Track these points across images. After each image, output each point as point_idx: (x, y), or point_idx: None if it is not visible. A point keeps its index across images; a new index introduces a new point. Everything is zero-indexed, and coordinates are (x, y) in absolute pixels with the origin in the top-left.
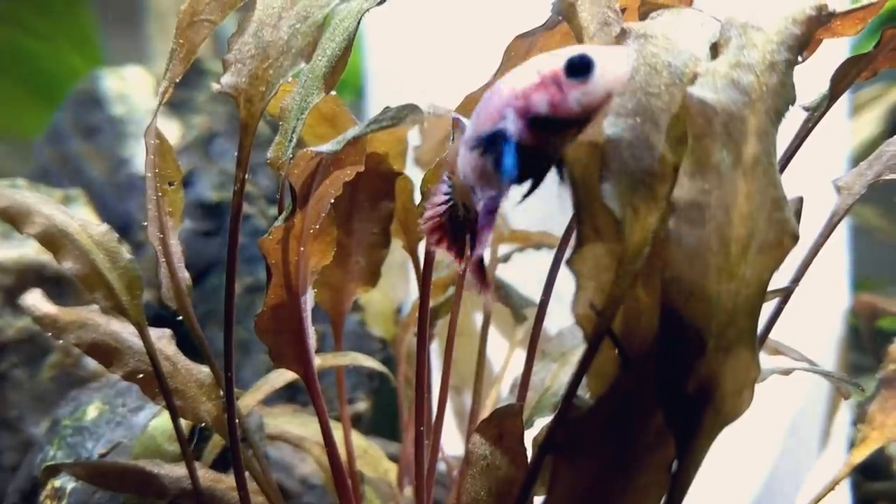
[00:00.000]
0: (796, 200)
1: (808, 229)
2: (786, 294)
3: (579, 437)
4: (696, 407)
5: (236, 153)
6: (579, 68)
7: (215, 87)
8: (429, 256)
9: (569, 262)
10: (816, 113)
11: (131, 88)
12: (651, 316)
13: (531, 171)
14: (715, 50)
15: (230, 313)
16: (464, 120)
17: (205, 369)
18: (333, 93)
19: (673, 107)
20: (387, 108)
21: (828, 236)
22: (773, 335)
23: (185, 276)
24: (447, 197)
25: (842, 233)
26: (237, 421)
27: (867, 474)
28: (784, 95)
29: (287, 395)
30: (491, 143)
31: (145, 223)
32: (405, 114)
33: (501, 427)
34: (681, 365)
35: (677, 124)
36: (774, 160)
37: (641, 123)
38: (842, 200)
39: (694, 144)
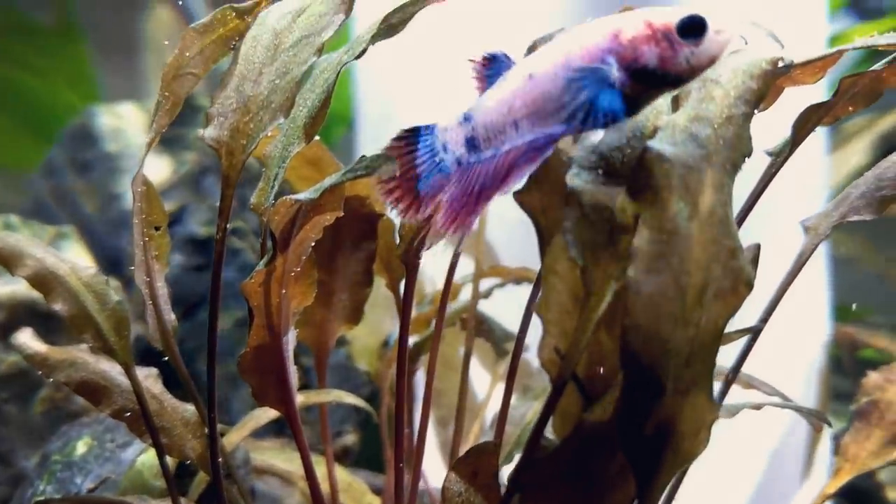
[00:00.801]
0: (753, 248)
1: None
2: (754, 332)
3: (545, 477)
4: (656, 448)
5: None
6: (693, 28)
7: (200, 137)
8: (408, 294)
9: (535, 308)
10: (780, 158)
11: (125, 125)
12: (613, 360)
13: (615, 120)
14: (676, 102)
15: (212, 355)
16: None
17: (190, 407)
18: (317, 138)
19: (634, 159)
20: (362, 157)
21: (796, 275)
22: (753, 365)
23: (171, 318)
24: (424, 149)
25: (821, 265)
26: (220, 459)
27: (857, 500)
28: (740, 148)
29: (276, 428)
30: (586, 82)
31: (132, 267)
32: (379, 163)
33: (476, 465)
34: (640, 407)
35: (640, 175)
36: (730, 210)
37: (603, 175)
38: (809, 240)
39: (653, 196)
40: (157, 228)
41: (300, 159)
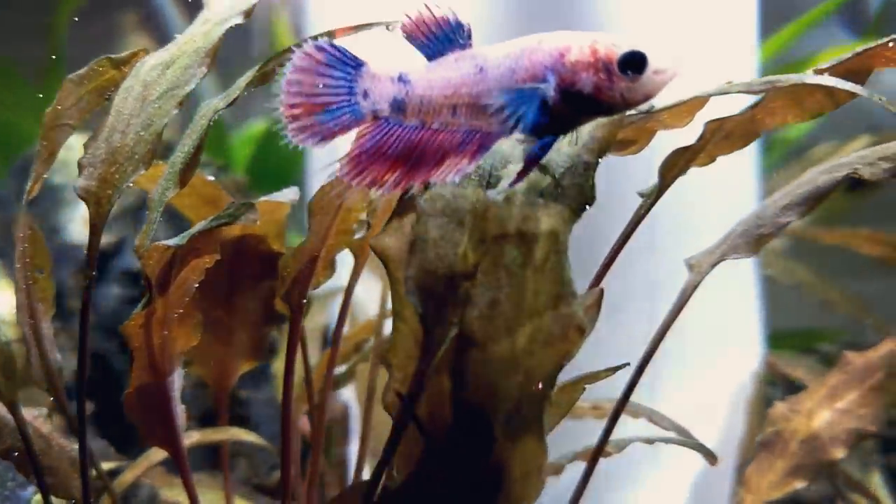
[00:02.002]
0: (595, 293)
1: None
2: (641, 366)
3: None
4: (489, 491)
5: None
6: (633, 64)
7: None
8: (293, 335)
9: (383, 353)
10: (649, 200)
11: (73, 156)
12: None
13: (542, 134)
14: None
15: (82, 397)
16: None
17: (77, 447)
18: (211, 178)
19: (478, 207)
20: (230, 203)
21: (679, 311)
22: (684, 393)
23: (56, 358)
24: (342, 82)
25: (751, 295)
26: (109, 499)
27: None
28: (581, 197)
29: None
30: (523, 98)
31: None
32: (241, 212)
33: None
34: (473, 451)
35: (481, 224)
36: (564, 258)
37: (448, 223)
38: (692, 278)
39: (491, 244)
40: (41, 271)
41: (199, 198)
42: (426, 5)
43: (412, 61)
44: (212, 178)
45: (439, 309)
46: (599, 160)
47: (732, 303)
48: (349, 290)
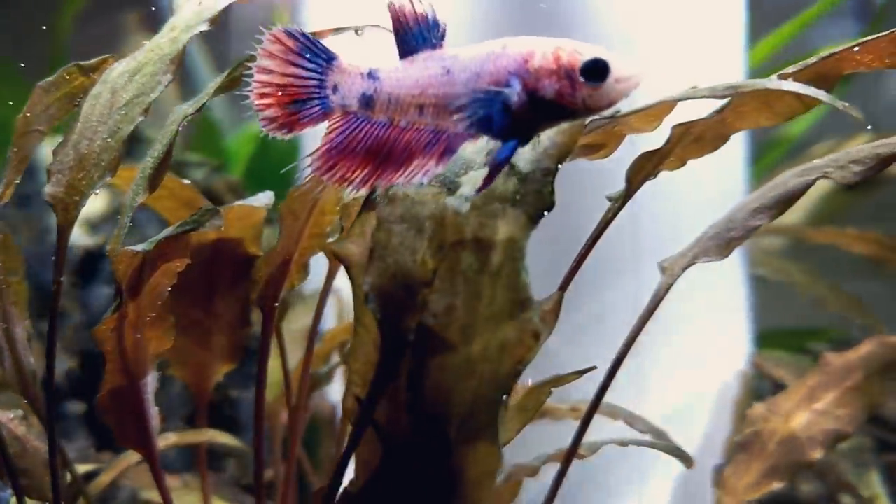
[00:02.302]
0: (554, 296)
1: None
2: (612, 369)
3: None
4: (445, 494)
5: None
6: (595, 72)
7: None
8: (265, 339)
9: (344, 359)
10: (617, 204)
11: None
12: None
13: (506, 138)
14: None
15: (50, 400)
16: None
17: None
18: (187, 181)
19: (437, 214)
20: (200, 208)
21: (650, 315)
22: (671, 393)
23: (30, 362)
24: (313, 73)
25: (740, 295)
26: (81, 499)
27: None
28: (539, 203)
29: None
30: (487, 101)
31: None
32: (206, 218)
33: None
34: (429, 456)
35: (439, 231)
36: (520, 265)
37: (407, 229)
38: (664, 280)
39: (449, 250)
40: (14, 276)
41: (177, 201)
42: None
43: (386, 59)
44: (203, 178)
45: (398, 315)
46: (559, 165)
47: (720, 303)
48: (324, 294)
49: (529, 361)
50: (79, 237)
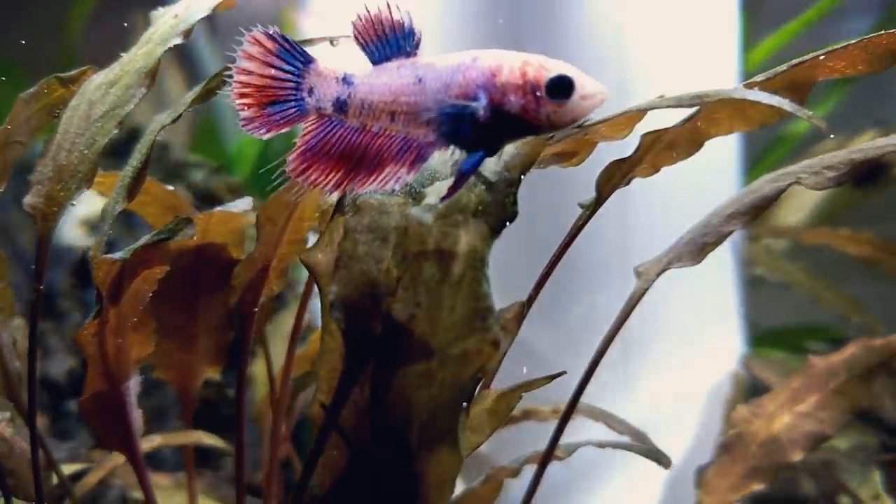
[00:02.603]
0: (516, 305)
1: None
2: (586, 373)
3: None
4: (406, 499)
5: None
6: (560, 90)
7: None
8: (244, 347)
9: (314, 365)
10: (588, 211)
11: None
12: None
13: (473, 149)
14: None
15: (32, 400)
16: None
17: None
18: (171, 188)
19: (402, 224)
20: (177, 218)
21: (625, 319)
22: (660, 393)
23: (15, 366)
24: (290, 75)
25: (730, 295)
26: (67, 500)
27: None
28: (502, 214)
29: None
30: (455, 115)
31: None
32: (180, 228)
33: None
34: (391, 461)
35: (404, 241)
36: (481, 275)
37: (373, 239)
38: (639, 284)
39: (412, 260)
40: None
41: (162, 207)
42: (387, 4)
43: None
44: (203, 179)
45: (362, 324)
46: (522, 176)
47: (711, 303)
48: (304, 298)
49: (489, 370)
50: (79, 238)
